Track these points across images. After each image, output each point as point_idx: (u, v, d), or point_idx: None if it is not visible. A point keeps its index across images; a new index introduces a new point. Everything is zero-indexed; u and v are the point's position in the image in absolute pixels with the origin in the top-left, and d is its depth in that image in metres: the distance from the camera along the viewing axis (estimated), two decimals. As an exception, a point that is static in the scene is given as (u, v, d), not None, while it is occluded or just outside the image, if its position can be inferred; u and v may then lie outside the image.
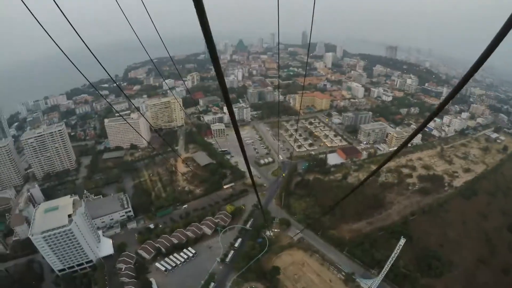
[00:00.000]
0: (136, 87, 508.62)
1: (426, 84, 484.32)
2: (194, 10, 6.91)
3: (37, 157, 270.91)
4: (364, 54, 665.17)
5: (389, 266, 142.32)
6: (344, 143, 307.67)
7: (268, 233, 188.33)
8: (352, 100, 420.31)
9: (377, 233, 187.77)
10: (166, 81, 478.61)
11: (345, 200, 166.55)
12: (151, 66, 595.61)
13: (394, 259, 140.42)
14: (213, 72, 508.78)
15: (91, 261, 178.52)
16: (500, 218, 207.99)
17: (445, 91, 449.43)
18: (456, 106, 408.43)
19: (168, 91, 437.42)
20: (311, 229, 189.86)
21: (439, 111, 9.68)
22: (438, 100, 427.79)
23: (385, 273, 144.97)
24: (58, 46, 19.79)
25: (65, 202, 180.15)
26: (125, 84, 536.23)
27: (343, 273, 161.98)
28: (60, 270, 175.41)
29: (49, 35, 17.79)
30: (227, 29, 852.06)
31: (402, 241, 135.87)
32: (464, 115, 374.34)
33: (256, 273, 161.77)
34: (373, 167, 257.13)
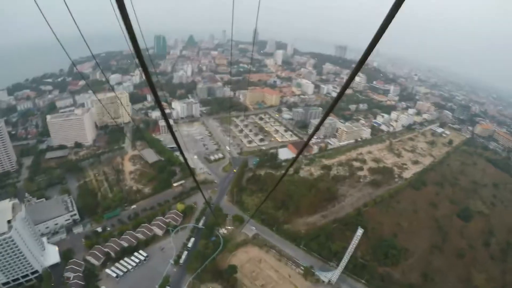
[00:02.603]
0: (82, 82, 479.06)
1: (374, 82, 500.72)
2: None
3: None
4: (314, 52, 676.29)
5: (348, 257, 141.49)
6: (295, 138, 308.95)
7: (221, 231, 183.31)
8: (302, 96, 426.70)
9: (331, 225, 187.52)
10: (112, 76, 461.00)
11: (298, 194, 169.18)
12: (98, 61, 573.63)
13: (353, 250, 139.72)
14: (161, 67, 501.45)
15: (36, 271, 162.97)
16: (449, 206, 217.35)
17: (393, 88, 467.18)
18: (403, 102, 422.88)
19: (116, 86, 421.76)
20: (265, 225, 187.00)
21: (335, 104, 10.47)
22: (385, 97, 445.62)
23: (344, 264, 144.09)
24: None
25: (4, 206, 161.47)
26: (70, 79, 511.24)
27: (301, 268, 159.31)
28: (4, 284, 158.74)
29: None
30: (177, 25, 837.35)
31: (360, 231, 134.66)
32: (411, 111, 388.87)
33: (212, 273, 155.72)
34: (324, 161, 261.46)
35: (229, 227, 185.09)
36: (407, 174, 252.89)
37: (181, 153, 13.62)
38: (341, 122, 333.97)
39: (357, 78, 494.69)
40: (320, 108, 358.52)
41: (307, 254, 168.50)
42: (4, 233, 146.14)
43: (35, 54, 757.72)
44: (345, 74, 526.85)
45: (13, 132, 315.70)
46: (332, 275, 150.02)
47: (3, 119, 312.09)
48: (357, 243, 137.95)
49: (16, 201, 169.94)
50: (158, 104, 8.62)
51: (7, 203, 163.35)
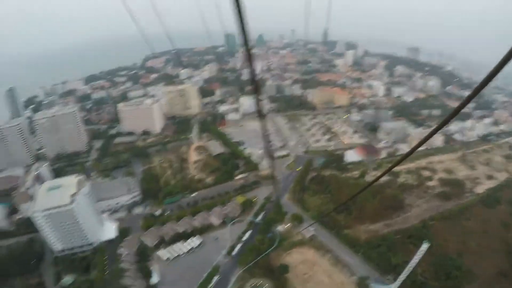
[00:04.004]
0: (154, 76, 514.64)
1: (449, 87, 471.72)
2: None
3: (49, 138, 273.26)
4: (385, 54, 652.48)
5: (408, 272, 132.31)
6: (363, 140, 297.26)
7: (279, 228, 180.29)
8: (372, 98, 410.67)
9: (394, 236, 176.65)
10: (183, 70, 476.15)
11: (362, 199, 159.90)
12: (169, 56, 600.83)
13: (414, 265, 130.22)
14: (231, 64, 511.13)
15: (92, 244, 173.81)
16: None
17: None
18: (478, 110, 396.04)
19: (185, 80, 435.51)
20: (324, 227, 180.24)
21: (457, 113, 9.85)
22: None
23: (403, 279, 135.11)
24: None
25: (70, 181, 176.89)
26: (142, 72, 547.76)
27: (356, 277, 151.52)
28: (60, 251, 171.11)
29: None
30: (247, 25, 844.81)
31: (425, 246, 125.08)
32: (487, 120, 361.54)
33: (264, 269, 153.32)
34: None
35: (287, 225, 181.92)
36: (479, 189, 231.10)
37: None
38: (412, 128, 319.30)
39: (430, 82, 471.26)
40: (391, 112, 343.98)
41: (364, 263, 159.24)
42: (66, 205, 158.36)
43: (111, 50, 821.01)
44: (418, 77, 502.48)
45: (86, 117, 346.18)
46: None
47: (77, 105, 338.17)
48: (419, 259, 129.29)
49: (82, 177, 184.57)
50: (257, 99, 9.08)
51: (73, 179, 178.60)
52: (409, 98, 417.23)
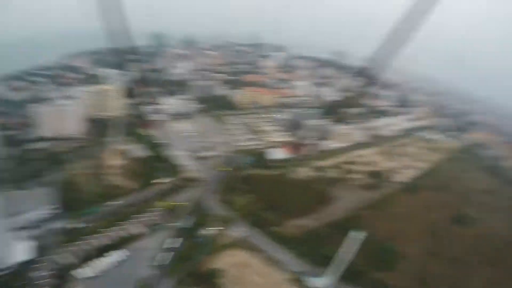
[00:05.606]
0: (76, 76, 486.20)
1: (371, 88, 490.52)
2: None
3: None
4: (312, 57, 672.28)
5: (342, 262, 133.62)
6: (289, 138, 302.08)
7: (207, 231, 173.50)
8: (297, 98, 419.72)
9: (324, 228, 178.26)
10: (107, 70, 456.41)
11: (289, 195, 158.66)
12: (93, 56, 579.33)
13: (347, 254, 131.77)
14: (156, 64, 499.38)
15: (1, 268, 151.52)
16: (443, 211, 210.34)
17: (389, 94, 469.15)
18: (401, 108, 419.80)
19: (109, 80, 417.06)
20: (255, 226, 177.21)
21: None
22: (383, 101, 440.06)
23: (340, 270, 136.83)
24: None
25: None
26: (63, 72, 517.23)
27: (291, 273, 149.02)
28: None
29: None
30: (173, 24, 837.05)
31: (354, 234, 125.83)
32: (408, 117, 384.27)
33: (195, 276, 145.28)
34: (316, 163, 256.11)
35: (216, 228, 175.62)
36: (401, 178, 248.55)
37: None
38: (334, 124, 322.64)
39: (354, 83, 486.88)
40: (316, 110, 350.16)
41: (297, 259, 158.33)
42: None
43: (28, 48, 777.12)
44: (342, 79, 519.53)
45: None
46: (324, 280, 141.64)
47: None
48: (352, 248, 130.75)
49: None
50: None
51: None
52: (333, 97, 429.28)
